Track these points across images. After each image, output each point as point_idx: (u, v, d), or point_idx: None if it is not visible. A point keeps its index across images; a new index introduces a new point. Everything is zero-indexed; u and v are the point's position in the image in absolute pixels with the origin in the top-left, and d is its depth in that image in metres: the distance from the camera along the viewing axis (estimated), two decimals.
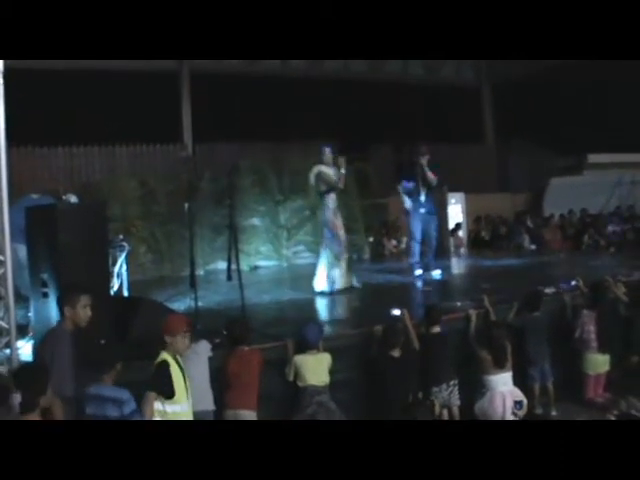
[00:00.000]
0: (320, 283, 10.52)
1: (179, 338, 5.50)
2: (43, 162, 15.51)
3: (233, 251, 8.09)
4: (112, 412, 4.89)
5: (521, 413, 5.83)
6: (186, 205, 8.73)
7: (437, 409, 6.04)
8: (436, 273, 11.82)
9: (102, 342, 5.36)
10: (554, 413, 7.82)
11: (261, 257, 15.79)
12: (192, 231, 8.80)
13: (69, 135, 16.18)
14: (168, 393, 5.30)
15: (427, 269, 11.80)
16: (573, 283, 8.72)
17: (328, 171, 10.34)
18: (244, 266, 13.46)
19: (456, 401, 7.18)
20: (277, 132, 18.55)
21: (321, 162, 10.44)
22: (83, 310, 5.32)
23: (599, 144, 18.41)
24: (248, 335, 6.54)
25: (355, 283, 10.74)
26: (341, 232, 10.49)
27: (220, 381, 6.24)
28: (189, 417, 5.50)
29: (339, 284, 10.45)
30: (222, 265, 12.49)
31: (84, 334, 5.30)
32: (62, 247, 5.89)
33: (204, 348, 6.21)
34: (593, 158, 18.75)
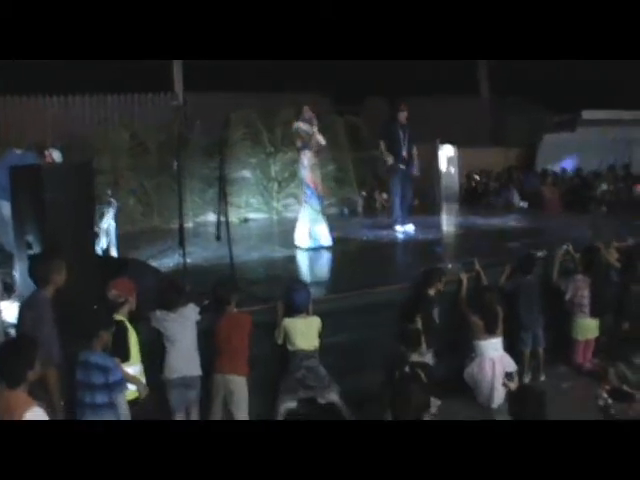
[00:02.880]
0: (301, 239, 10.55)
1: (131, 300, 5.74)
2: (31, 111, 15.25)
3: (222, 206, 7.96)
4: (97, 379, 4.91)
5: (512, 385, 5.78)
6: (175, 163, 8.58)
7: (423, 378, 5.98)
8: (409, 228, 12.08)
9: (95, 307, 5.29)
10: (543, 378, 7.84)
11: (251, 210, 15.71)
12: (181, 190, 8.64)
13: (58, 84, 15.87)
14: (124, 356, 5.36)
15: (399, 223, 12.15)
16: (564, 247, 8.60)
17: (305, 128, 10.32)
18: (234, 219, 13.43)
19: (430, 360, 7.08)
20: (269, 83, 18.27)
21: (301, 119, 10.44)
22: (59, 276, 5.22)
23: (594, 100, 18.22)
24: (235, 296, 6.44)
25: (330, 242, 10.68)
26: (320, 189, 10.53)
27: (209, 345, 6.18)
28: (142, 379, 5.60)
29: (324, 240, 10.49)
30: (212, 217, 12.46)
31: (68, 298, 5.21)
32: (47, 209, 5.75)
33: (192, 312, 6.14)
34: (587, 114, 18.51)
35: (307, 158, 10.36)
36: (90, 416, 4.90)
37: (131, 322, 5.63)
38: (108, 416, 4.87)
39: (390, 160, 11.80)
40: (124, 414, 4.94)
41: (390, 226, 12.35)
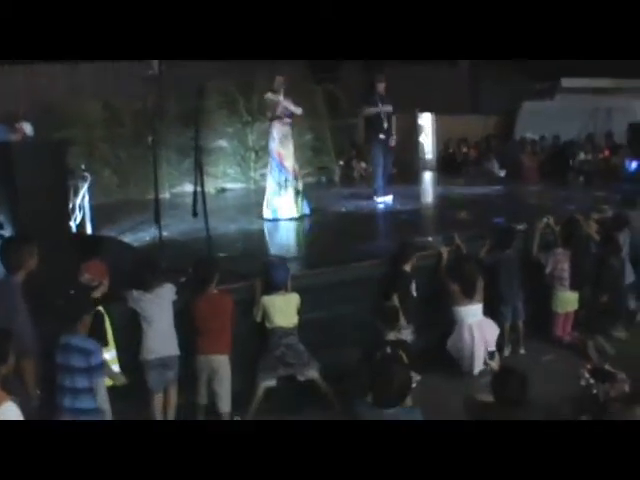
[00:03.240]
0: (264, 211, 10.67)
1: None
2: (2, 80, 14.86)
3: (198, 177, 7.85)
4: (78, 362, 4.82)
5: (494, 364, 5.77)
6: (150, 138, 8.43)
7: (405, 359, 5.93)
8: (388, 199, 12.17)
9: (71, 292, 5.18)
10: (522, 351, 7.84)
11: (228, 180, 15.57)
12: (156, 162, 8.46)
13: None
14: (103, 342, 5.29)
15: (380, 194, 12.22)
16: (545, 220, 8.53)
17: (274, 99, 10.31)
18: (211, 189, 13.32)
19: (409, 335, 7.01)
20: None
21: (273, 90, 10.43)
22: (31, 260, 5.09)
23: (574, 68, 18.04)
24: (216, 276, 6.33)
25: (305, 211, 10.83)
26: (287, 162, 10.49)
27: (188, 325, 6.09)
28: (117, 363, 5.58)
29: (283, 213, 10.52)
30: (189, 188, 12.29)
31: (40, 282, 5.09)
32: (19, 188, 5.62)
33: (168, 292, 6.04)
34: (567, 82, 18.36)
35: (276, 129, 10.39)
36: (69, 401, 4.82)
37: (104, 305, 5.53)
38: (87, 401, 4.80)
39: (375, 109, 11.89)
40: (103, 399, 4.87)
41: (369, 196, 12.39)
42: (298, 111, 10.45)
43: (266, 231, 10.17)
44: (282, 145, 10.38)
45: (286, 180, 10.46)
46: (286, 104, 10.25)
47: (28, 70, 14.95)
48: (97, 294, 5.53)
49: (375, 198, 12.19)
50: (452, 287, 7.29)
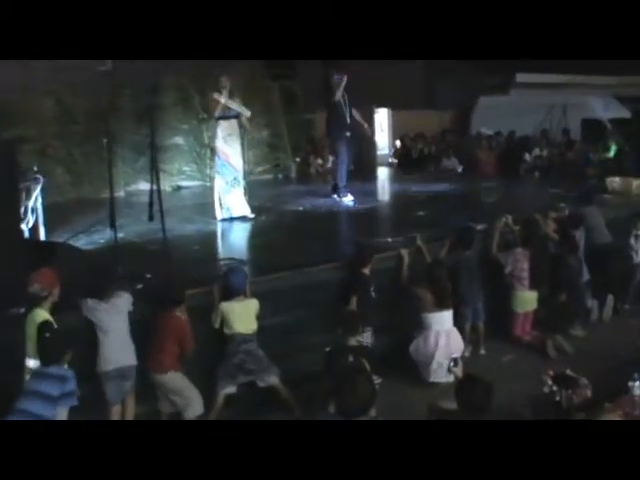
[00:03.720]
0: (216, 211, 10.46)
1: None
2: None
3: (154, 175, 7.68)
4: (54, 390, 4.68)
5: (457, 370, 5.72)
6: (105, 140, 8.25)
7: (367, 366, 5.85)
8: (348, 200, 12.04)
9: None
10: (482, 352, 7.83)
11: (184, 177, 15.35)
12: (111, 160, 8.24)
13: None
14: (57, 358, 5.05)
15: (343, 194, 12.11)
16: (503, 219, 8.52)
17: (217, 99, 10.14)
18: (167, 187, 13.14)
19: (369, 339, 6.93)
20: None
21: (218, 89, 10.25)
22: None
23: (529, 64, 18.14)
24: (181, 302, 6.18)
25: (248, 214, 10.56)
26: (234, 160, 10.32)
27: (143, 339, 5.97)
28: None
29: (236, 211, 10.40)
30: (144, 186, 12.07)
31: None
32: None
33: (125, 302, 5.89)
34: (521, 77, 18.47)
35: (220, 128, 10.27)
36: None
37: (55, 315, 5.37)
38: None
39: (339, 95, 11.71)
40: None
41: (326, 194, 12.37)
42: (246, 113, 10.31)
43: (221, 233, 10.04)
44: (227, 144, 10.22)
45: (235, 179, 10.32)
46: (229, 104, 10.08)
47: None
48: (47, 305, 5.36)
49: (337, 197, 12.08)
50: (421, 293, 7.22)
